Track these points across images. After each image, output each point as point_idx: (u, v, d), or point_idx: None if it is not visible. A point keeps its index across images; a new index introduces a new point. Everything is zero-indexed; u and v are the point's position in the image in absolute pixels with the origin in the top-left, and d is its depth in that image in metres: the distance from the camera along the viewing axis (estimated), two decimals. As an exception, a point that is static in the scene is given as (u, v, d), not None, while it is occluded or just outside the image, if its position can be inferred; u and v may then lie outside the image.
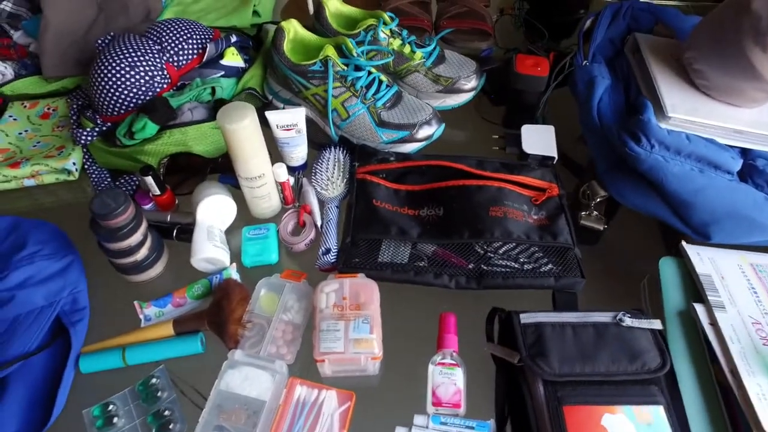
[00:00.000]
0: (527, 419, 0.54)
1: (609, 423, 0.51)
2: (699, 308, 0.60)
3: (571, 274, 0.65)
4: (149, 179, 0.72)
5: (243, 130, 0.63)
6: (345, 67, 0.80)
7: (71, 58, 0.93)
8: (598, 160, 0.75)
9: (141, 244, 0.67)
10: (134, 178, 0.82)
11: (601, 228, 0.73)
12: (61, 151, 0.84)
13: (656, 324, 0.57)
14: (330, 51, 0.79)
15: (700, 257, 0.65)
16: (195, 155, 0.80)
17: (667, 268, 0.65)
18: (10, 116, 0.91)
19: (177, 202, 0.79)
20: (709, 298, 0.60)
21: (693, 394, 0.55)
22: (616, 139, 0.70)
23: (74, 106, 0.86)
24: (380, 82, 0.81)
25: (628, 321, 0.57)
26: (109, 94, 0.78)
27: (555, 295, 0.66)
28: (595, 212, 0.74)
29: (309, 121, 0.82)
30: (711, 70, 0.69)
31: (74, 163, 0.83)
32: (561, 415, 0.52)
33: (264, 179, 0.70)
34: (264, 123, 0.71)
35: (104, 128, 0.81)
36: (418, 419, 0.56)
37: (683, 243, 0.66)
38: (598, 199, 0.74)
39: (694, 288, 0.63)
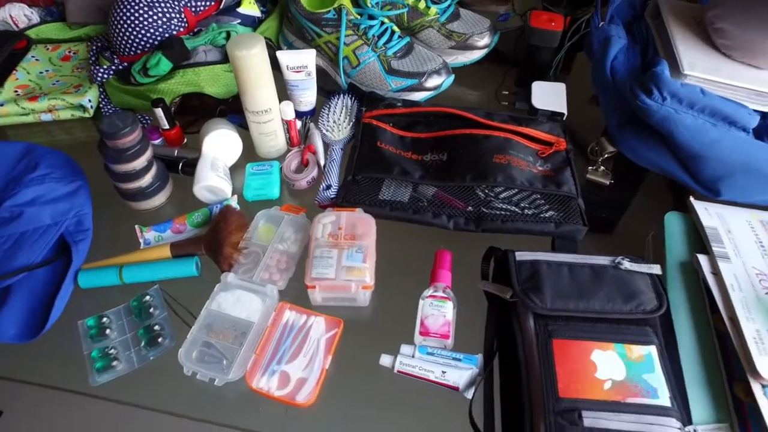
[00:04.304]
0: (516, 354, 0.53)
1: (598, 358, 0.50)
2: (702, 258, 0.58)
3: (572, 221, 0.63)
4: (159, 111, 0.74)
5: (252, 58, 0.64)
6: (358, 16, 0.80)
7: (94, 5, 0.96)
8: (609, 116, 0.73)
9: (146, 169, 0.68)
10: (146, 117, 0.84)
11: (607, 183, 0.72)
12: (78, 89, 0.86)
13: (656, 269, 0.56)
14: (344, 0, 0.79)
15: (708, 212, 0.63)
16: (206, 96, 0.81)
17: (673, 222, 0.63)
18: (33, 56, 0.93)
19: (186, 140, 0.80)
20: (713, 249, 0.58)
21: (688, 339, 0.54)
22: (628, 92, 0.68)
23: (93, 48, 0.88)
24: (392, 32, 0.81)
25: (627, 264, 0.56)
26: (127, 33, 0.80)
27: (555, 242, 0.65)
28: (602, 167, 0.72)
29: (319, 71, 0.83)
30: (735, 27, 0.67)
31: (90, 101, 0.85)
32: (550, 348, 0.51)
33: (271, 114, 0.71)
34: (276, 69, 0.72)
35: (120, 67, 0.83)
36: (405, 348, 0.56)
37: (691, 198, 0.65)
38: (606, 156, 0.72)
39: (698, 242, 0.61)
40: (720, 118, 0.64)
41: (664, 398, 0.47)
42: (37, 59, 0.93)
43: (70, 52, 0.94)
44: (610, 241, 0.68)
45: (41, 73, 0.91)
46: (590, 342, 0.51)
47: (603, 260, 0.57)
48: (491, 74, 0.89)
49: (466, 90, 0.86)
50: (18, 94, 0.85)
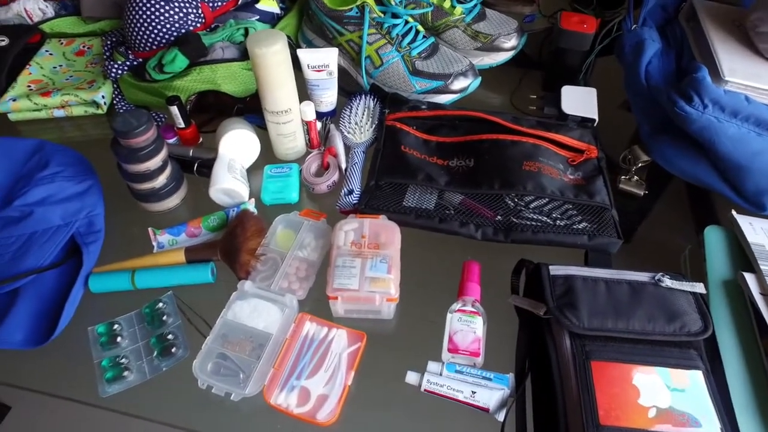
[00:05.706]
0: (550, 375, 0.50)
1: (641, 383, 0.47)
2: (749, 277, 0.54)
3: (606, 233, 0.60)
4: (174, 109, 0.71)
5: (273, 56, 0.61)
6: (382, 15, 0.77)
7: (109, 0, 0.94)
8: (642, 123, 0.70)
9: (160, 170, 0.65)
10: (161, 115, 0.81)
11: (641, 193, 0.69)
12: (92, 85, 0.83)
13: (699, 287, 0.53)
14: (368, -3, 0.76)
15: (753, 227, 0.59)
16: (223, 94, 0.78)
17: (713, 237, 0.60)
18: (47, 51, 0.91)
19: (201, 139, 0.77)
20: (761, 267, 0.55)
21: (736, 364, 0.50)
22: (664, 98, 0.65)
23: (108, 43, 0.86)
24: (417, 31, 0.78)
25: (668, 282, 0.53)
26: (142, 28, 0.78)
27: (588, 255, 0.61)
28: (636, 177, 0.69)
29: (341, 70, 0.80)
30: (780, 32, 0.64)
31: (103, 97, 0.82)
32: (588, 371, 0.47)
33: (290, 115, 0.68)
34: (296, 68, 0.69)
35: (135, 63, 0.81)
36: (432, 366, 0.53)
37: (733, 212, 0.61)
38: (640, 164, 0.69)
39: (742, 258, 0.58)
40: (765, 128, 0.61)
41: (713, 429, 0.44)
42: (51, 54, 0.91)
43: (84, 46, 0.92)
44: (643, 256, 0.65)
45: (55, 68, 0.89)
46: (632, 365, 0.48)
47: (641, 276, 0.54)
48: (518, 77, 0.85)
49: (491, 93, 0.83)
50: (31, 89, 0.83)
